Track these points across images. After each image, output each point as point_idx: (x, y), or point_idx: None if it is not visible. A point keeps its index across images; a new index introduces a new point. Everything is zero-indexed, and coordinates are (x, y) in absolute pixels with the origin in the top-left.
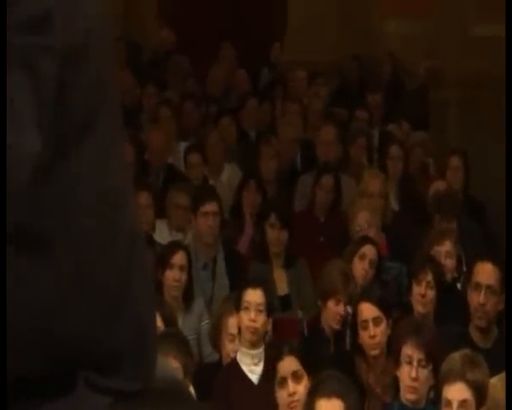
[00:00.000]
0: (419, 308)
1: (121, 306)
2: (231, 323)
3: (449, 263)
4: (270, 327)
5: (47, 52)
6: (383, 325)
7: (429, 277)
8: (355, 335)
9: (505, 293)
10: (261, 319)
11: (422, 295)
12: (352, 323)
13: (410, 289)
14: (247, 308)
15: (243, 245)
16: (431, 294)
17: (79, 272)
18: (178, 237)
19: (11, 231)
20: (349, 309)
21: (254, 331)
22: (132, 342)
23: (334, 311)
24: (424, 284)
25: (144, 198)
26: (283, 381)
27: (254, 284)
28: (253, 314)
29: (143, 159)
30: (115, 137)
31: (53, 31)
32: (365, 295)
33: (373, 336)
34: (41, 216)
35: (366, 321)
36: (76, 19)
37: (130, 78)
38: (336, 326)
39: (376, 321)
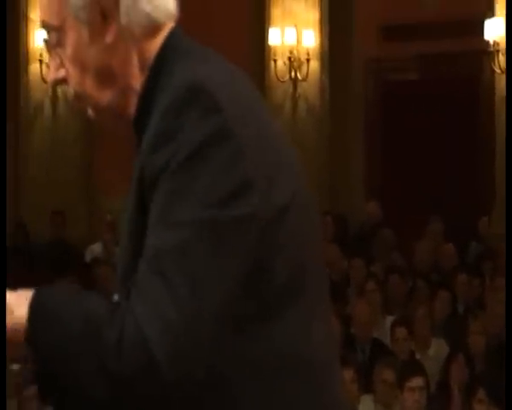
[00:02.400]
0: None
1: None
2: None
3: None
4: None
5: (244, 224)
6: None
7: None
8: None
9: (505, 293)
10: None
11: None
12: None
13: None
14: None
15: None
16: None
17: None
18: None
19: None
20: None
21: None
22: None
23: None
24: None
25: (349, 374)
26: None
27: None
28: None
29: (349, 333)
30: (319, 309)
31: (251, 199)
32: None
33: None
34: (239, 378)
35: None
36: (277, 183)
37: (337, 251)
38: None
39: None
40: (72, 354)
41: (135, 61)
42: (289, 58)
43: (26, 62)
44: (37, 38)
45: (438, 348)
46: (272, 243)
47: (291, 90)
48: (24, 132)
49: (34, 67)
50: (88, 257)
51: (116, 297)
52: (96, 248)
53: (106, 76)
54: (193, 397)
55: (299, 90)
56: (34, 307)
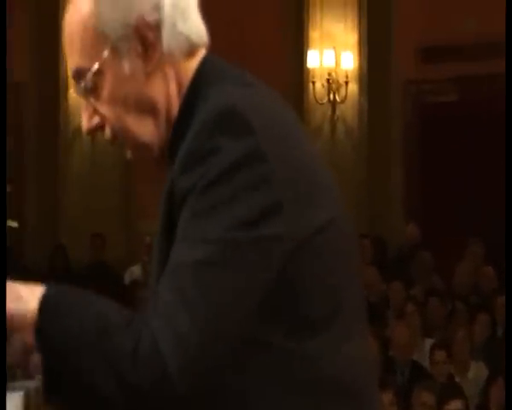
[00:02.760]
0: None
1: None
2: None
3: None
4: None
5: (272, 244)
6: None
7: None
8: None
9: (505, 293)
10: None
11: None
12: None
13: None
14: None
15: None
16: None
17: None
18: None
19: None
20: None
21: None
22: None
23: None
24: None
25: (388, 397)
26: None
27: None
28: None
29: (389, 355)
30: (355, 331)
31: (280, 221)
32: None
33: None
34: (252, 394)
35: None
36: (311, 207)
37: (376, 273)
38: None
39: None
40: (84, 357)
41: (173, 87)
42: (328, 80)
43: (66, 88)
44: None
45: (477, 371)
46: (303, 265)
47: (330, 112)
48: (63, 157)
49: (73, 93)
50: (127, 279)
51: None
52: (136, 271)
53: (147, 107)
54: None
55: (338, 112)
56: (45, 303)
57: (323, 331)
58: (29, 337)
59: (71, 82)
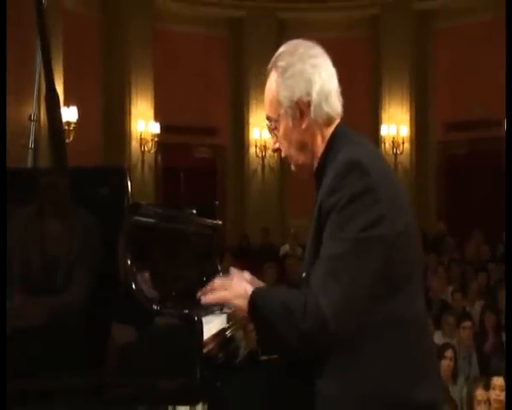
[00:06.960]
0: None
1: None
2: (479, 393)
3: None
4: None
5: (379, 241)
6: None
7: None
8: None
9: (505, 293)
10: (503, 394)
11: None
12: None
13: None
14: (493, 388)
15: (488, 347)
16: None
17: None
18: (448, 340)
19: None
20: None
21: (499, 401)
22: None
23: None
24: None
25: (428, 320)
26: None
27: (499, 373)
28: (497, 391)
29: (428, 296)
30: (420, 288)
31: (384, 226)
32: None
33: None
34: (377, 331)
35: None
36: (398, 216)
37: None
38: None
39: None
40: (277, 322)
41: (319, 138)
42: (392, 142)
43: (248, 147)
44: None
45: (479, 305)
46: (397, 250)
47: (393, 160)
48: (246, 186)
49: (252, 150)
50: (281, 252)
51: (303, 275)
52: (286, 247)
53: (302, 147)
54: (350, 342)
55: (399, 160)
56: (251, 299)
57: (406, 286)
58: (245, 315)
59: (251, 142)
